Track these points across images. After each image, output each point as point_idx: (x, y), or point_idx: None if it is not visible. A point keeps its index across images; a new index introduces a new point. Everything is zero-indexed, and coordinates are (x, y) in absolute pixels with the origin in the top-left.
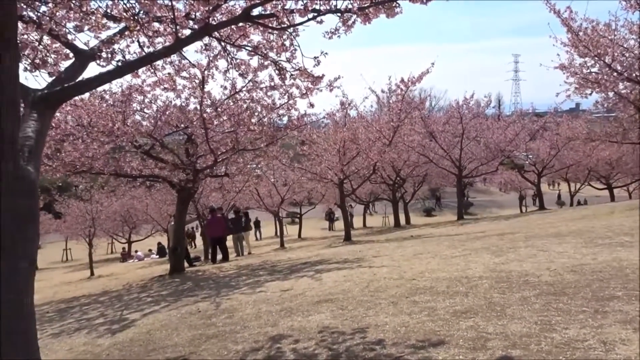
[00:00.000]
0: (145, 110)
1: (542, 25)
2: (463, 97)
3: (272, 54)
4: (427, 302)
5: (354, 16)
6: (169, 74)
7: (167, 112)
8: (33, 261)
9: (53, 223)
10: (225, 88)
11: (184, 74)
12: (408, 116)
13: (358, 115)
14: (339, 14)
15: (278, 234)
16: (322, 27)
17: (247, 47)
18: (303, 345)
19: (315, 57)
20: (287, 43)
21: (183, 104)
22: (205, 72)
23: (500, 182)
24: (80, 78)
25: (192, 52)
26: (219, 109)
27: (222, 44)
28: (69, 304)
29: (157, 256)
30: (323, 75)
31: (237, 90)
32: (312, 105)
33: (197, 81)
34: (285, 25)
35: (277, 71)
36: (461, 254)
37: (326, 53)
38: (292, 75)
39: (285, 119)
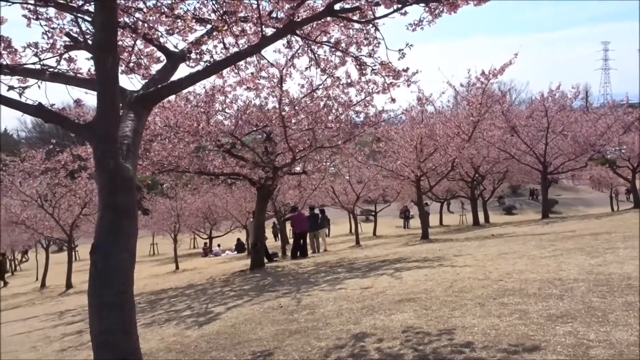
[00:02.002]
0: (227, 110)
1: (635, 8)
2: (548, 89)
3: (352, 49)
4: (517, 304)
5: (441, 6)
6: (252, 73)
7: (247, 112)
8: (133, 254)
9: (141, 219)
10: (303, 86)
11: (262, 73)
12: (489, 110)
13: (436, 110)
14: (425, 4)
15: (352, 231)
16: (403, 19)
17: (327, 44)
18: (387, 344)
19: (400, 50)
20: (371, 37)
21: (262, 103)
22: (284, 71)
23: (590, 179)
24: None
25: (270, 52)
26: (296, 107)
27: (304, 41)
28: (158, 296)
29: (236, 252)
30: (407, 68)
31: (314, 88)
32: (393, 100)
33: (275, 80)
34: (370, 18)
35: (357, 66)
36: (551, 254)
37: (411, 45)
38: (373, 70)
39: (362, 115)
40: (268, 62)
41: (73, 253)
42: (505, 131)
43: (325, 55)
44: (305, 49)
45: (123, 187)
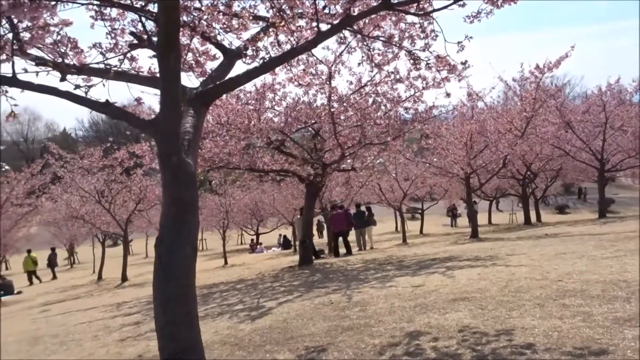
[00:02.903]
0: (276, 107)
1: None
2: (607, 82)
3: (406, 43)
4: (580, 306)
5: None
6: (303, 69)
7: (296, 108)
8: (195, 248)
9: None
10: (351, 83)
11: (311, 70)
12: (543, 105)
13: (487, 106)
14: None
15: (398, 229)
16: (456, 12)
17: (381, 38)
18: (443, 343)
19: (458, 42)
20: (427, 30)
21: (311, 100)
22: (332, 67)
23: None
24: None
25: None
26: (345, 104)
27: (358, 35)
28: (210, 290)
29: (281, 248)
30: (466, 61)
31: (362, 85)
32: (448, 95)
33: (324, 77)
34: (428, 11)
35: (411, 61)
36: (613, 255)
37: (471, 37)
38: (427, 64)
39: (411, 112)
40: (317, 59)
41: (128, 247)
42: (559, 127)
43: (380, 50)
44: (359, 44)
45: (185, 182)
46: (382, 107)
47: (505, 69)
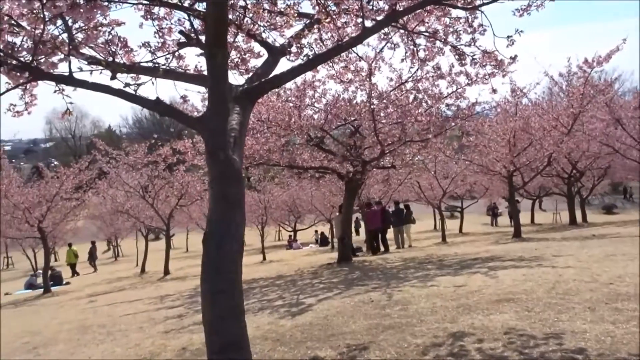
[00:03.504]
0: (316, 104)
1: None
2: None
3: (451, 38)
4: (634, 310)
5: None
6: (345, 66)
7: (336, 105)
8: (241, 243)
9: None
10: (391, 80)
11: (351, 67)
12: (591, 101)
13: (532, 102)
14: None
15: (436, 227)
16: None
17: (425, 33)
18: (489, 345)
19: (508, 37)
20: (476, 24)
21: (351, 97)
22: (373, 64)
23: None
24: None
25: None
26: (385, 100)
27: (403, 31)
28: (249, 285)
29: (318, 245)
30: (515, 56)
31: (403, 81)
32: (494, 91)
33: (363, 74)
34: (477, 5)
35: (456, 56)
36: None
37: (521, 31)
38: (473, 59)
39: (453, 108)
40: (357, 55)
41: (170, 242)
42: (608, 124)
43: (426, 45)
44: (404, 39)
45: (232, 178)
46: (423, 104)
47: (551, 63)
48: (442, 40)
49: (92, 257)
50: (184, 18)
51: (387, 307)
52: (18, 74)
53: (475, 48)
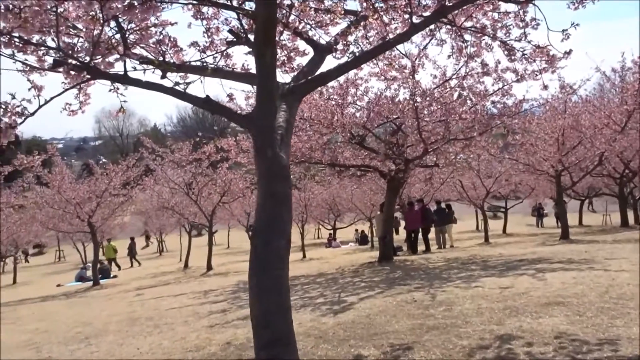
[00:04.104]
0: (358, 102)
1: None
2: None
3: (500, 33)
4: None
5: None
6: (390, 63)
7: (379, 103)
8: (289, 240)
9: None
10: (435, 77)
11: (396, 64)
12: None
13: (582, 99)
14: None
15: (479, 228)
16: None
17: (473, 29)
18: (538, 349)
19: (563, 31)
20: (528, 18)
21: (393, 95)
22: (416, 61)
23: None
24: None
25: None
26: (428, 98)
27: (447, 27)
28: (291, 282)
29: (358, 244)
30: (570, 51)
31: (447, 78)
32: (545, 87)
33: (407, 71)
34: None
35: (505, 52)
36: None
37: (577, 24)
38: (523, 54)
39: (499, 106)
40: (400, 52)
41: (213, 238)
42: None
43: (474, 41)
44: (452, 35)
45: (280, 175)
46: (468, 101)
47: (603, 58)
48: (491, 35)
49: (131, 252)
50: (231, 17)
51: (430, 307)
52: (77, 73)
53: (526, 43)
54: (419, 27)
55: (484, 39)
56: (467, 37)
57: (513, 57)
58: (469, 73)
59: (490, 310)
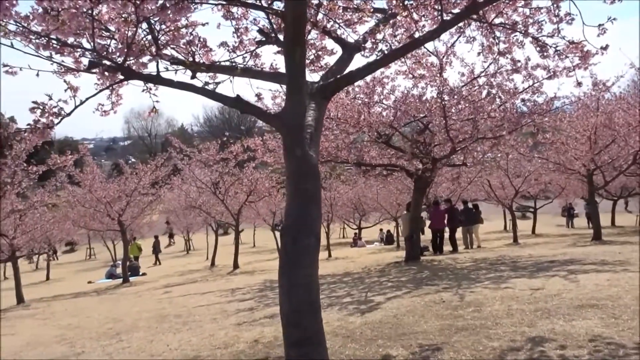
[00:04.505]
0: (384, 101)
1: None
2: None
3: (532, 30)
4: None
5: None
6: (418, 61)
7: (405, 102)
8: (318, 237)
9: None
10: (463, 74)
11: (424, 62)
12: None
13: (615, 96)
14: None
15: (506, 228)
16: None
17: (505, 25)
18: (572, 352)
19: (599, 25)
20: (562, 13)
21: (420, 93)
22: (443, 59)
23: None
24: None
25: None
26: (456, 96)
27: (479, 23)
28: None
29: (383, 243)
30: (606, 46)
31: (475, 76)
32: (579, 84)
33: (434, 69)
34: None
35: (537, 48)
36: None
37: (614, 19)
38: (556, 51)
39: (529, 104)
40: (427, 50)
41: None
42: None
43: (505, 38)
44: (483, 32)
45: (309, 173)
46: (497, 100)
47: (638, 54)
48: (523, 32)
49: (155, 250)
50: (259, 17)
51: (459, 308)
52: (111, 74)
53: (559, 39)
54: (449, 24)
55: (515, 36)
56: (497, 33)
57: (545, 54)
58: (498, 70)
59: (521, 312)
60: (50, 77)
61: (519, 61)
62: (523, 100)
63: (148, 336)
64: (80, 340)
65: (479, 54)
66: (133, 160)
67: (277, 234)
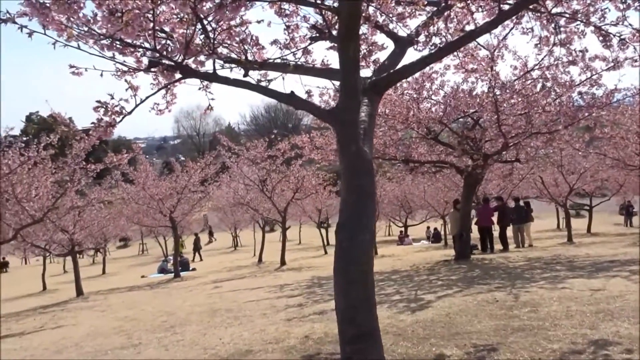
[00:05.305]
0: (433, 97)
1: None
2: None
3: (594, 18)
4: None
5: None
6: (471, 55)
7: (455, 97)
8: (373, 234)
9: None
10: (515, 68)
11: (467, 58)
12: None
13: None
14: None
15: (559, 226)
16: None
17: (565, 15)
18: None
19: None
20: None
21: (470, 88)
22: (495, 52)
23: None
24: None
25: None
26: (508, 90)
27: (538, 13)
28: None
29: (430, 241)
30: None
31: (529, 69)
32: None
33: (484, 63)
34: None
35: (600, 38)
36: None
37: None
38: (621, 39)
39: (587, 97)
40: (478, 44)
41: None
42: None
43: (566, 28)
44: (544, 22)
45: (364, 169)
46: (552, 93)
47: None
48: (584, 21)
49: (196, 247)
50: (309, 14)
51: (514, 308)
52: (170, 73)
53: (624, 27)
54: (507, 15)
55: (576, 25)
56: (557, 23)
57: (609, 43)
58: (554, 63)
59: (581, 314)
60: (97, 80)
61: (582, 51)
62: (580, 93)
63: (201, 330)
64: (137, 332)
65: (536, 45)
66: (182, 158)
67: (323, 231)
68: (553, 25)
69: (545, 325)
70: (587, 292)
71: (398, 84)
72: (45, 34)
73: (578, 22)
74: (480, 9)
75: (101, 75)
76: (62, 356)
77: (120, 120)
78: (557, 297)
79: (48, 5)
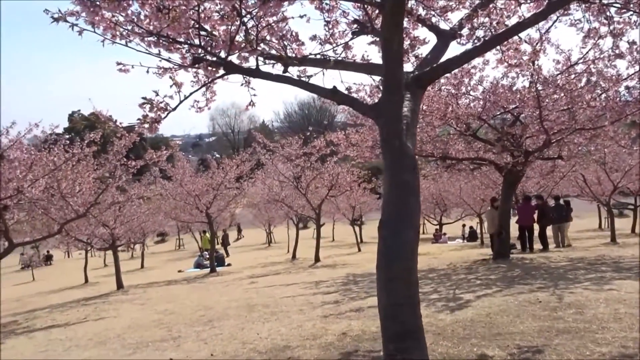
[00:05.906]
0: (472, 92)
1: None
2: None
3: None
4: None
5: None
6: (515, 49)
7: (495, 92)
8: (417, 230)
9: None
10: (558, 62)
11: (510, 52)
12: None
13: None
14: None
15: (601, 226)
16: None
17: (617, 4)
18: None
19: None
20: None
21: (511, 83)
22: (537, 45)
23: None
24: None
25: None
26: (550, 85)
27: (587, 4)
28: None
29: (466, 240)
30: None
31: (572, 63)
32: None
33: (525, 57)
34: None
35: None
36: None
37: None
38: None
39: (635, 91)
40: (519, 37)
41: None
42: None
43: (620, 19)
44: (594, 13)
45: (407, 165)
46: (598, 88)
47: None
48: (637, 11)
49: (224, 243)
50: (348, 9)
51: (558, 309)
52: (214, 69)
53: None
54: (556, 5)
55: (630, 15)
56: (609, 13)
57: None
58: (601, 56)
59: (631, 316)
60: (129, 79)
61: (631, 42)
62: (627, 87)
63: (239, 324)
64: (176, 325)
65: (584, 37)
66: (217, 155)
67: (357, 228)
68: (604, 15)
69: (592, 327)
70: (635, 294)
71: (435, 80)
72: (94, 31)
73: (631, 12)
74: (526, 1)
75: (147, 72)
76: (106, 347)
77: (166, 116)
78: (603, 298)
79: (98, 3)
